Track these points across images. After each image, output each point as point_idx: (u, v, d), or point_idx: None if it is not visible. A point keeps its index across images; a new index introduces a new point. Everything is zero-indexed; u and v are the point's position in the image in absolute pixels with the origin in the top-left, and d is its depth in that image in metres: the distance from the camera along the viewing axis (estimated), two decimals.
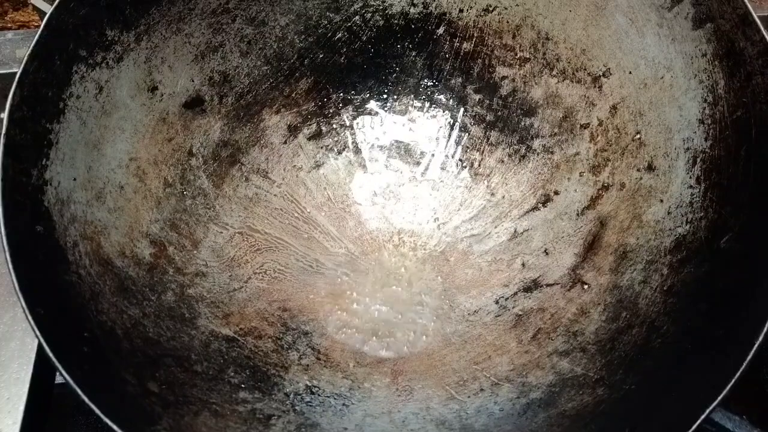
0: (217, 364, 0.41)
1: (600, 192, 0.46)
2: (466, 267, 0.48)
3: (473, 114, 0.51)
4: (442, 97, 0.51)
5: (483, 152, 0.50)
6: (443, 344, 0.44)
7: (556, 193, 0.48)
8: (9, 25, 0.55)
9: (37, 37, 0.37)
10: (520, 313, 0.45)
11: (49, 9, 0.38)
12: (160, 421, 0.35)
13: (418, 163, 0.51)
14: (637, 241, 0.43)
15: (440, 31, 0.50)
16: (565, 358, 0.41)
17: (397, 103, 0.52)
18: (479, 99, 0.50)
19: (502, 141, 0.50)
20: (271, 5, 0.47)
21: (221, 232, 0.46)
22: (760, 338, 0.32)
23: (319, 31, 0.49)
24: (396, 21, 0.49)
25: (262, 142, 0.49)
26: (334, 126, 0.51)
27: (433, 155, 0.51)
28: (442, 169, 0.51)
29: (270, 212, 0.48)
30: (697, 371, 0.35)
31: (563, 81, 0.48)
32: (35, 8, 0.54)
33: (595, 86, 0.47)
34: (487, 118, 0.50)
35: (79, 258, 0.38)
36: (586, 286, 0.44)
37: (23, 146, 0.36)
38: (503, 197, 0.49)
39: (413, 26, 0.50)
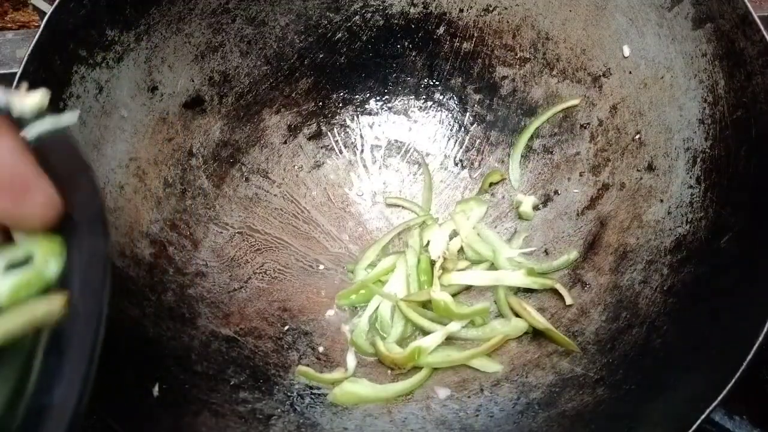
0: (217, 364, 0.41)
1: (600, 192, 0.46)
2: None
3: (473, 114, 0.51)
4: (442, 97, 0.51)
5: (483, 152, 0.50)
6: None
7: (556, 193, 0.48)
8: (9, 25, 0.55)
9: (37, 37, 0.37)
10: None
11: (49, 9, 0.38)
12: (160, 421, 0.35)
13: (418, 163, 0.51)
14: (637, 241, 0.43)
15: (440, 31, 0.50)
16: (565, 358, 0.41)
17: (397, 103, 0.52)
18: (479, 99, 0.50)
19: (502, 141, 0.50)
20: (271, 5, 0.47)
21: (221, 232, 0.46)
22: (760, 338, 0.32)
23: (319, 31, 0.49)
24: (396, 21, 0.49)
25: (262, 142, 0.49)
26: (334, 126, 0.51)
27: (432, 155, 0.51)
28: (442, 169, 0.51)
29: (270, 212, 0.48)
30: (697, 371, 0.35)
31: (563, 81, 0.48)
32: (35, 8, 0.54)
33: (595, 86, 0.47)
34: (487, 118, 0.50)
35: None
36: (586, 286, 0.44)
37: None
38: (503, 197, 0.49)
39: (413, 26, 0.50)
